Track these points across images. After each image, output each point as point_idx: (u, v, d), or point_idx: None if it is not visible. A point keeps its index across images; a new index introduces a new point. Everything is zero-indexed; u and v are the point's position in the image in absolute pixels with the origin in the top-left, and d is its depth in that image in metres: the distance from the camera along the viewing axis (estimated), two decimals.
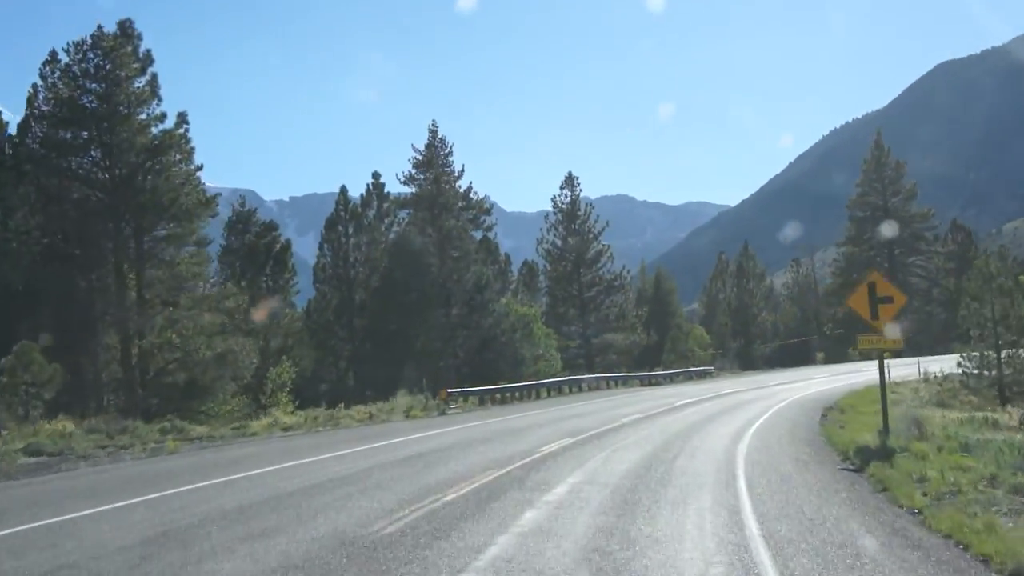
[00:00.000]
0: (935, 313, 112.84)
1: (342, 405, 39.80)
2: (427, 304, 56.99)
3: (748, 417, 28.27)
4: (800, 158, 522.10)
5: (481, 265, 61.91)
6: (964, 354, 41.77)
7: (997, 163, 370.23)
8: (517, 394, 47.76)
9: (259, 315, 46.35)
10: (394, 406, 38.46)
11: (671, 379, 66.05)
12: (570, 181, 76.08)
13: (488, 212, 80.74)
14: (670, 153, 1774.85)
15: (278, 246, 65.74)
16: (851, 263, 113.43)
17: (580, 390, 54.12)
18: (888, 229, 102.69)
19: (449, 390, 41.12)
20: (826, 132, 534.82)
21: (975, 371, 39.49)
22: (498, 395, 46.14)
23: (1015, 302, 39.42)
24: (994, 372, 38.92)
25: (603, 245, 75.39)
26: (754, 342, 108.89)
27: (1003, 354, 39.32)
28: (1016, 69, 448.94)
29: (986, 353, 39.82)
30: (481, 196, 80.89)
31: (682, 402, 37.27)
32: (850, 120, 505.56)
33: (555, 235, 76.98)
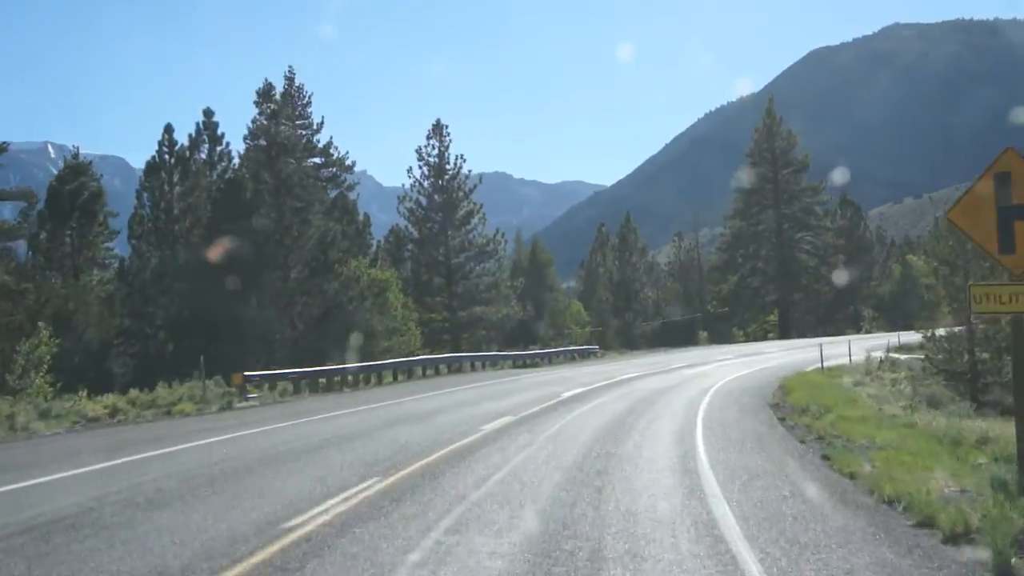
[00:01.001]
0: (824, 292, 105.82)
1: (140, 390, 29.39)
2: (260, 264, 46.13)
3: (683, 421, 18.75)
4: (676, 139, 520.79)
5: (328, 220, 51.09)
6: (928, 334, 32.69)
7: (864, 150, 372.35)
8: (351, 378, 37.43)
9: None
10: (178, 394, 27.93)
11: (550, 359, 56.83)
12: (438, 130, 65.54)
13: (349, 170, 70.04)
14: (548, 131, 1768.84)
15: (86, 193, 54.34)
16: (738, 238, 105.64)
17: (437, 372, 44.51)
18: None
19: (247, 373, 30.59)
20: (700, 115, 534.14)
21: (940, 356, 30.32)
22: (323, 380, 35.82)
23: (995, 270, 30.12)
24: (966, 357, 29.82)
25: (474, 204, 65.44)
26: (636, 320, 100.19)
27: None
28: (882, 57, 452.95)
29: (957, 330, 30.72)
30: (343, 153, 70.24)
31: (568, 393, 27.43)
32: (724, 103, 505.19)
33: (420, 192, 67.02)
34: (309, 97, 75.41)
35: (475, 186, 65.88)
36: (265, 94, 52.96)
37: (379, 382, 38.50)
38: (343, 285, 46.44)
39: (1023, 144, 10.48)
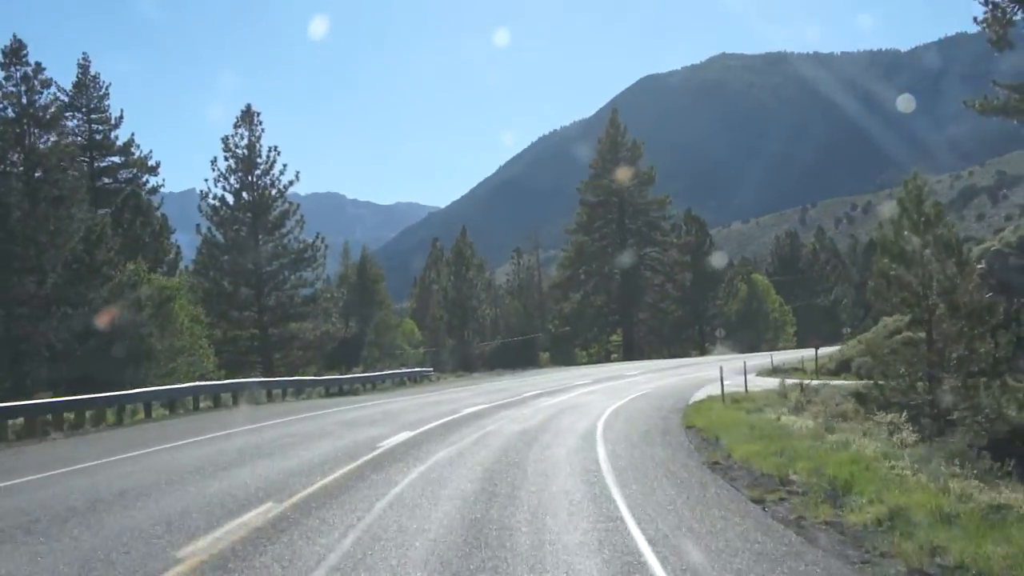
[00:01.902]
0: (670, 311, 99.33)
1: None
2: (4, 265, 35.55)
3: (590, 513, 9.95)
4: (510, 162, 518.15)
5: (94, 214, 40.55)
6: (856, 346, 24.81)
7: (695, 172, 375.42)
8: (73, 415, 26.52)
9: None
10: None
11: (374, 385, 46.97)
12: (248, 118, 55.48)
13: (152, 172, 59.71)
14: (382, 151, 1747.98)
15: None
16: (581, 253, 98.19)
17: (217, 404, 33.85)
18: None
19: None
20: (534, 138, 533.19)
21: (893, 383, 22.08)
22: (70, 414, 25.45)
23: (965, 267, 22.17)
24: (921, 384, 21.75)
25: (290, 204, 55.42)
26: (473, 339, 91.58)
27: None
28: (711, 85, 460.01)
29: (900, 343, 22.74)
30: (144, 153, 59.87)
31: (385, 446, 17.83)
32: (558, 127, 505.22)
33: (225, 187, 56.36)
34: (106, 88, 64.96)
35: (291, 183, 55.92)
36: (14, 53, 41.82)
37: (119, 422, 28.19)
38: (113, 293, 36.14)
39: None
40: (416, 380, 51.27)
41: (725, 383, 29.28)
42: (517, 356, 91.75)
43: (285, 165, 56.07)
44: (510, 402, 29.08)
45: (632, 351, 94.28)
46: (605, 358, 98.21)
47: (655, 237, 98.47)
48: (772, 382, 32.67)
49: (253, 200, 54.76)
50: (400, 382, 49.50)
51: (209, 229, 55.39)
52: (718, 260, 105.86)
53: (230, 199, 55.21)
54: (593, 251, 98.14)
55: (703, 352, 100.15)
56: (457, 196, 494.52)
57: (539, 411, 25.37)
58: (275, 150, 56.09)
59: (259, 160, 55.84)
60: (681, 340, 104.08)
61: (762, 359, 64.28)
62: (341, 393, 41.10)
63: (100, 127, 63.53)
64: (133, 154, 61.62)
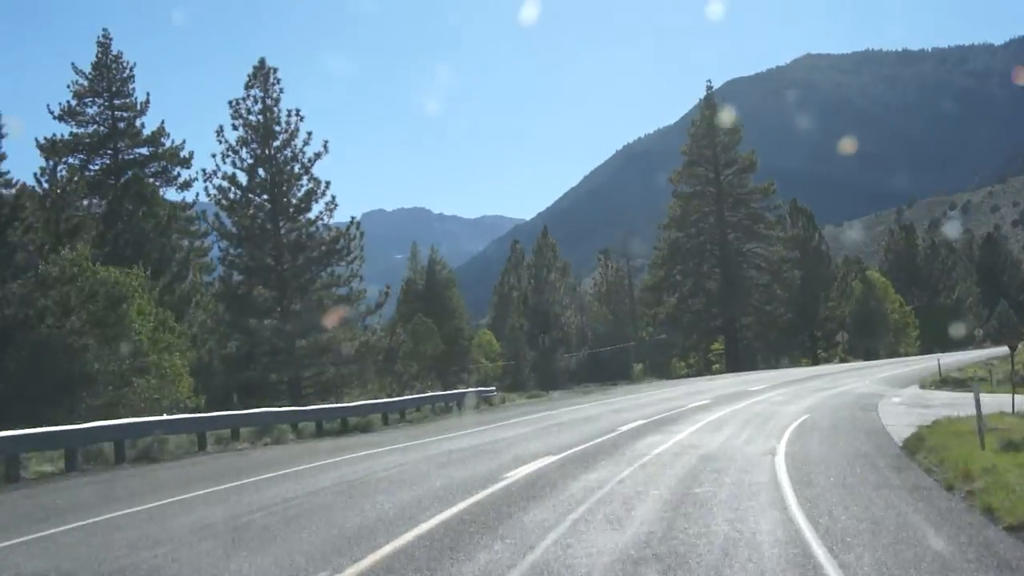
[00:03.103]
0: (778, 314, 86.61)
1: None
2: None
3: None
4: (595, 171, 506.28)
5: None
6: None
7: (783, 175, 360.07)
8: None
9: None
10: None
11: (402, 414, 34.23)
12: (262, 75, 44.17)
13: (185, 164, 49.60)
14: (467, 165, 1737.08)
15: None
16: (676, 251, 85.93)
17: (152, 456, 20.85)
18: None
19: None
20: (619, 147, 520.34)
21: None
22: None
23: None
24: None
25: (316, 181, 44.08)
26: (557, 350, 79.89)
27: None
28: (805, 86, 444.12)
29: None
30: (177, 143, 49.87)
31: None
32: (642, 135, 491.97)
33: (235, 163, 43.94)
34: (131, 69, 54.95)
35: (318, 155, 44.20)
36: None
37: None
38: (37, 285, 25.16)
39: None
40: (458, 407, 39.08)
41: (895, 399, 17.77)
42: (606, 368, 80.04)
43: (310, 134, 44.23)
44: (593, 453, 17.01)
45: (737, 360, 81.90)
46: (706, 368, 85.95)
47: (759, 230, 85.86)
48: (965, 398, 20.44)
49: (271, 178, 43.66)
50: (445, 408, 37.84)
51: (217, 216, 44.17)
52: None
53: (242, 178, 43.81)
54: (689, 248, 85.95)
55: (815, 360, 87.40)
56: (542, 207, 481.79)
57: (653, 479, 13.33)
58: (297, 115, 44.54)
59: (277, 129, 44.20)
60: (790, 347, 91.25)
61: (908, 367, 51.98)
62: (343, 431, 28.86)
63: (124, 114, 53.82)
64: (163, 144, 51.65)
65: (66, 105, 52.90)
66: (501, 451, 17.83)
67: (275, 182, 42.93)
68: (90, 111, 53.80)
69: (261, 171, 43.15)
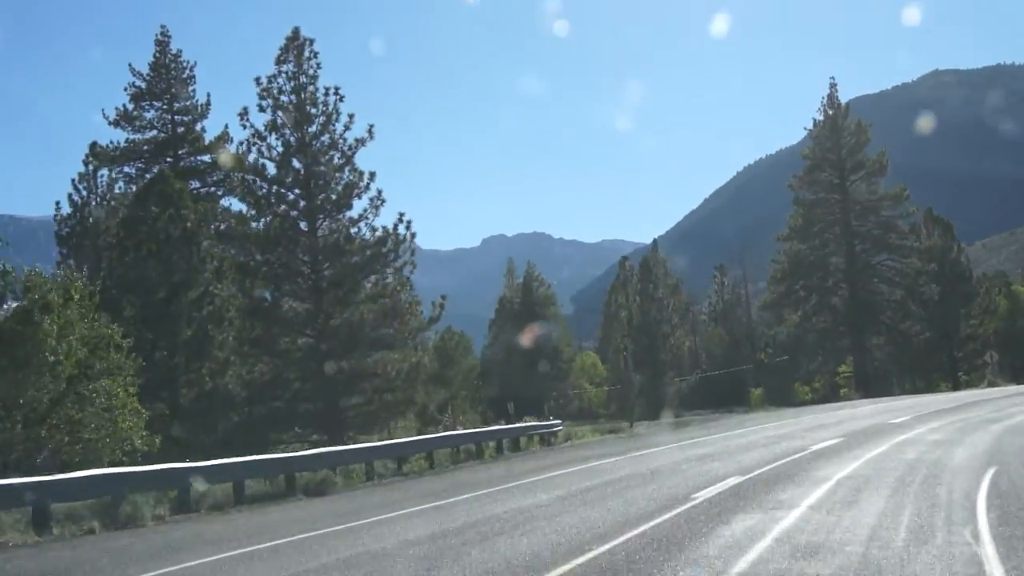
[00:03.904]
0: (913, 332, 76.51)
1: None
2: None
3: None
4: (715, 193, 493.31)
5: None
6: None
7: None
8: None
9: None
10: None
11: (430, 457, 26.67)
12: (296, 48, 36.39)
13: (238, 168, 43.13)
14: (586, 190, 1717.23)
15: None
16: (798, 264, 76.57)
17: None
18: None
19: None
20: (740, 168, 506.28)
21: None
22: None
23: None
24: None
25: (358, 172, 36.08)
26: (665, 373, 71.46)
27: None
28: (925, 104, 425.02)
29: None
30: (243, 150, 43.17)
31: None
32: (763, 156, 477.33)
33: (264, 153, 36.18)
34: (191, 69, 49.26)
35: (361, 142, 36.67)
36: None
37: None
38: None
39: None
40: (499, 448, 30.83)
41: None
42: (720, 393, 71.47)
43: (351, 116, 36.72)
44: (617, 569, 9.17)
45: (867, 384, 72.22)
46: (833, 394, 76.38)
47: (890, 241, 75.92)
48: None
49: (305, 169, 36.51)
50: (477, 449, 29.43)
51: (241, 215, 37.01)
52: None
53: (270, 169, 36.44)
54: (812, 261, 76.51)
55: (956, 384, 76.99)
56: (662, 231, 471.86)
57: None
58: (336, 94, 36.84)
59: (313, 111, 36.58)
60: (927, 369, 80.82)
61: None
62: (316, 491, 20.63)
63: (183, 118, 48.17)
64: (226, 150, 45.69)
65: (122, 109, 47.54)
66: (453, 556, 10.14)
67: (310, 174, 35.68)
68: (148, 115, 48.47)
69: (295, 162, 35.91)
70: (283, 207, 36.19)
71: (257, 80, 35.83)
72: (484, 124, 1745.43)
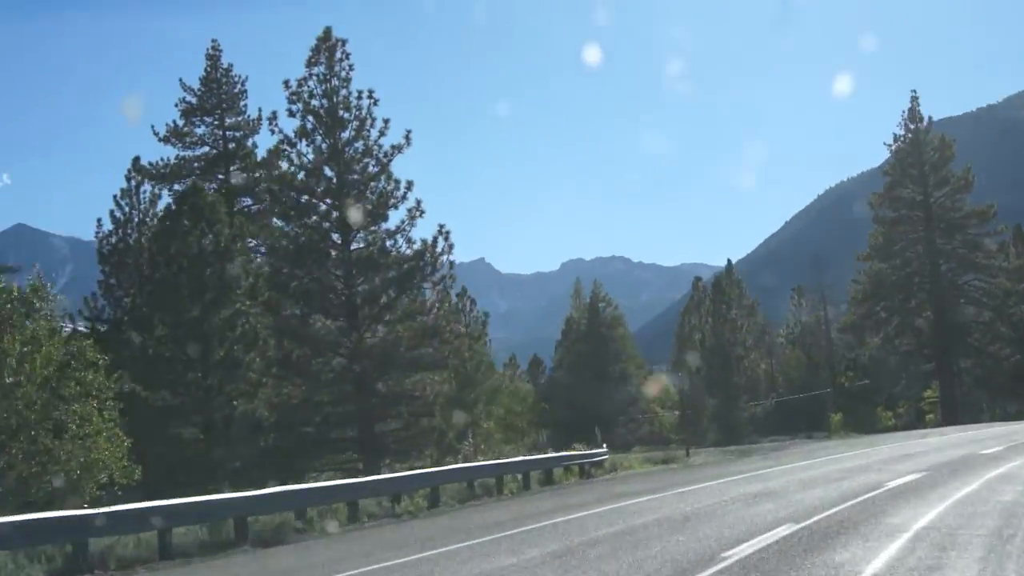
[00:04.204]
0: (1003, 356, 72.05)
1: None
2: None
3: None
4: (795, 217, 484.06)
5: None
6: None
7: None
8: None
9: None
10: None
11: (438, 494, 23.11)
12: (327, 49, 33.68)
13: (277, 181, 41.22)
14: (664, 215, 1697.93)
15: None
16: (878, 285, 72.67)
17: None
18: None
19: None
20: (820, 191, 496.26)
21: None
22: None
23: None
24: None
25: (395, 182, 33.34)
26: (739, 397, 68.07)
27: None
28: (1008, 126, 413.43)
29: None
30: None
31: None
32: (844, 179, 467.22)
33: (295, 162, 33.95)
34: (242, 83, 47.79)
35: (398, 149, 33.95)
36: None
37: None
38: None
39: None
40: (515, 483, 26.93)
41: None
42: (798, 418, 67.97)
43: (387, 121, 34.11)
44: None
45: (954, 410, 68.03)
46: (917, 420, 72.21)
47: (977, 260, 71.63)
48: None
49: (338, 178, 33.89)
50: (498, 483, 25.87)
51: (273, 227, 34.63)
52: None
53: (302, 176, 33.85)
54: (895, 281, 72.54)
55: None
56: (743, 254, 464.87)
57: None
58: (371, 97, 34.14)
59: (345, 116, 34.06)
60: (1017, 394, 76.11)
61: None
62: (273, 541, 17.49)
63: (235, 133, 46.67)
64: (279, 167, 43.92)
65: (172, 125, 46.14)
66: None
67: (343, 182, 33.35)
68: (199, 131, 47.04)
69: (327, 170, 33.59)
70: (315, 218, 33.83)
71: (286, 83, 33.65)
72: (563, 147, 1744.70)
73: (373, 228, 33.56)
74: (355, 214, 32.33)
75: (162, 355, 30.83)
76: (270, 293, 31.48)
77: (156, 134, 46.01)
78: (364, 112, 34.26)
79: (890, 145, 74.57)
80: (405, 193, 33.33)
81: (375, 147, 33.95)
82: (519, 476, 27.21)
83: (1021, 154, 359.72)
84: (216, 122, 46.82)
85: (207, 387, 30.08)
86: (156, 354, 30.70)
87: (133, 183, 40.49)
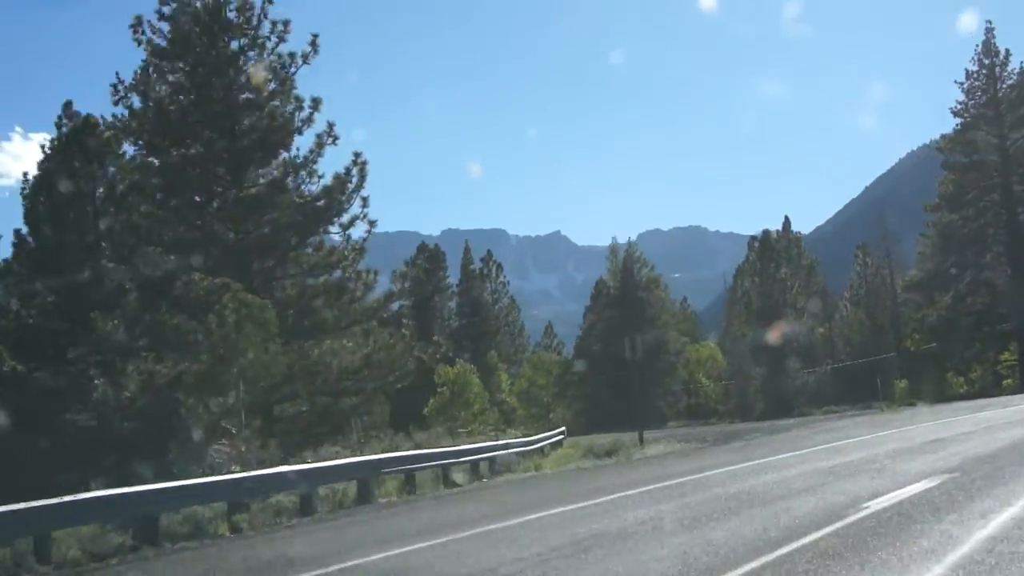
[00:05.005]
0: None
1: None
2: None
3: None
4: (877, 181, 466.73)
5: None
6: None
7: None
8: None
9: None
10: None
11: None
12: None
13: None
14: (743, 182, 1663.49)
15: None
16: (950, 238, 64.08)
17: None
18: None
19: None
20: (902, 154, 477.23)
21: None
22: None
23: None
24: None
25: (298, 100, 26.41)
26: (788, 365, 60.30)
27: None
28: None
29: None
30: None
31: None
32: (926, 141, 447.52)
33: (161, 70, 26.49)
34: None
35: (306, 58, 26.49)
36: None
37: None
38: None
39: None
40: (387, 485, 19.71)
41: None
42: (858, 387, 59.99)
43: (288, 24, 27.03)
44: None
45: None
46: (994, 386, 63.81)
47: None
48: None
49: (224, 97, 26.39)
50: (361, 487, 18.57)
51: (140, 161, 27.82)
52: None
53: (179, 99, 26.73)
54: (967, 233, 63.82)
55: None
56: (822, 220, 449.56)
57: None
58: None
59: (234, 19, 26.52)
60: None
61: None
62: None
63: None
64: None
65: None
66: None
67: (231, 103, 26.43)
68: None
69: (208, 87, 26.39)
70: (196, 149, 27.16)
71: None
72: (647, 119, 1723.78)
73: (270, 160, 26.82)
74: (248, 141, 25.65)
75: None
76: (140, 244, 24.87)
77: None
78: (257, 12, 27.29)
79: (961, 84, 65.58)
80: (311, 114, 26.52)
81: (272, 58, 26.95)
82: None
83: None
84: None
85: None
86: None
87: None
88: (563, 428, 34.97)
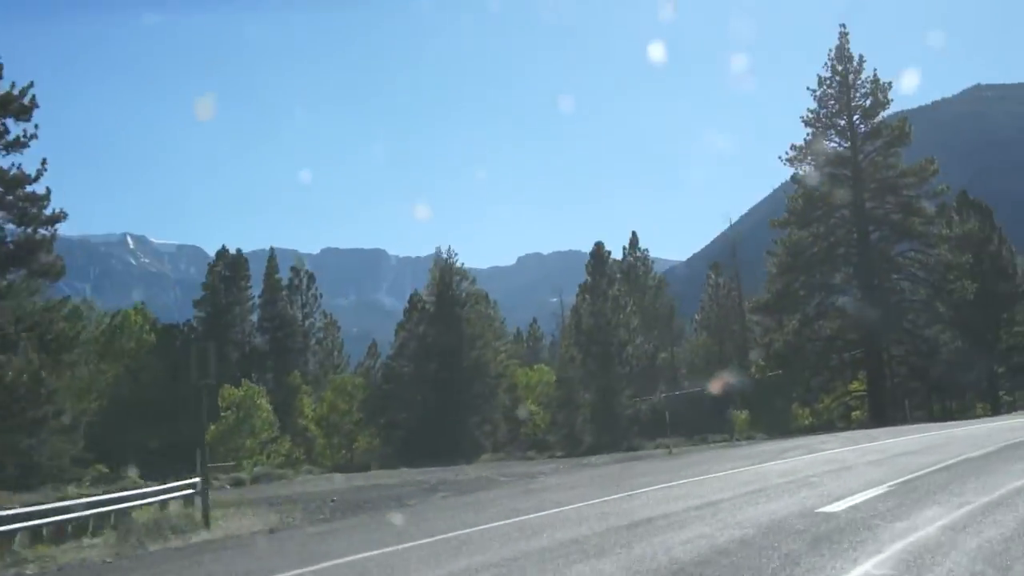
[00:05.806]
0: (943, 341, 58.62)
1: None
2: None
3: None
4: (753, 209, 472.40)
5: None
6: None
7: None
8: None
9: None
10: None
11: None
12: None
13: None
14: (623, 210, 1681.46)
15: None
16: (797, 256, 58.52)
17: None
18: None
19: None
20: (775, 186, 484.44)
21: None
22: None
23: None
24: None
25: None
26: (621, 392, 53.61)
27: None
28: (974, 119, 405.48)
29: None
30: None
31: None
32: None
33: None
34: None
35: None
36: None
37: None
38: None
39: None
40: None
41: None
42: (697, 417, 53.64)
43: None
44: None
45: (883, 407, 54.39)
46: (842, 418, 58.53)
47: (913, 226, 57.44)
48: None
49: None
50: None
51: None
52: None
53: None
54: (816, 253, 58.43)
55: (996, 407, 59.22)
56: (697, 249, 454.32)
57: None
58: None
59: None
60: (959, 387, 62.54)
61: None
62: None
63: None
64: None
65: None
66: None
67: None
68: None
69: None
70: None
71: None
72: (524, 147, 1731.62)
73: None
74: None
75: None
76: None
77: None
78: None
79: (813, 91, 60.34)
80: None
81: None
82: None
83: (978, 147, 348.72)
84: None
85: None
86: None
87: None
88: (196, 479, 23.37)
